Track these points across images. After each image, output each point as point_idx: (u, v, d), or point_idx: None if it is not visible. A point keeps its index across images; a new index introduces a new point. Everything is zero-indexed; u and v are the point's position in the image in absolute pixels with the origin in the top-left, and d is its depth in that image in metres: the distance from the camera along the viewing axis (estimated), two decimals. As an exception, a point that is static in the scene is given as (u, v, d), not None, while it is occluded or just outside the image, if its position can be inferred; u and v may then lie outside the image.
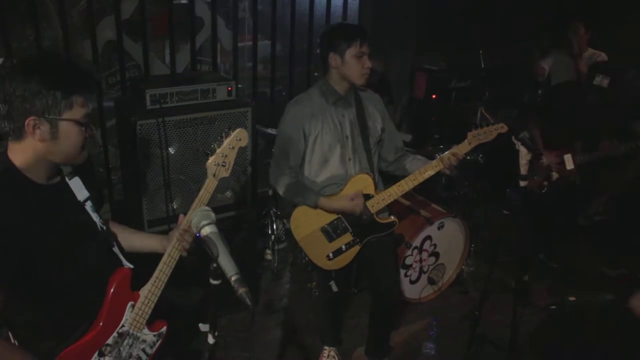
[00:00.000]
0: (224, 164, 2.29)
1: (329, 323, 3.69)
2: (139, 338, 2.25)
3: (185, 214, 2.28)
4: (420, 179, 3.09)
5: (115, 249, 2.27)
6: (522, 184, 2.84)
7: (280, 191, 3.22)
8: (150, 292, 2.22)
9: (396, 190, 3.14)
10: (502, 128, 2.96)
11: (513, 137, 2.78)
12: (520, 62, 5.99)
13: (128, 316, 2.20)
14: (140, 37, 4.56)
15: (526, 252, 4.24)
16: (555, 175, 3.87)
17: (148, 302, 2.22)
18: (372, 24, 5.88)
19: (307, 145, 3.15)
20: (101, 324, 2.14)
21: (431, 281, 4.30)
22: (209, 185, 2.29)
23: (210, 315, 1.89)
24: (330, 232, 3.20)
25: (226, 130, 2.33)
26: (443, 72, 6.00)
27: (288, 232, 4.87)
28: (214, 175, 2.29)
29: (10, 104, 1.83)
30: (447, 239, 4.27)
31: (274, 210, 4.69)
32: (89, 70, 2.04)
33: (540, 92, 5.58)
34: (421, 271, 4.23)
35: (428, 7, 5.83)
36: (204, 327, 1.99)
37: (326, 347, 3.68)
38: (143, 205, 3.47)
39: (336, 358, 3.66)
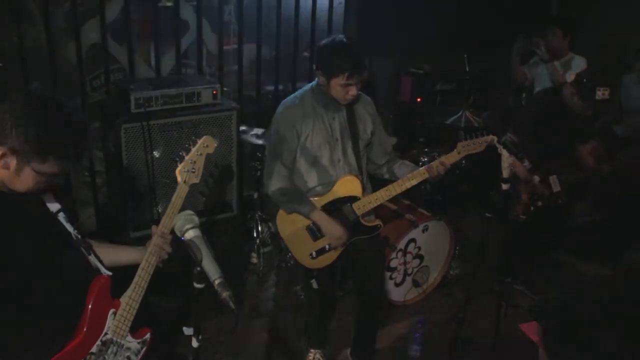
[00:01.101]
0: (192, 170, 2.35)
1: (315, 325, 3.69)
2: (123, 346, 2.23)
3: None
4: (408, 185, 3.12)
5: (92, 258, 2.25)
6: (505, 187, 2.87)
7: (273, 194, 3.19)
8: (130, 298, 2.21)
9: (383, 195, 3.16)
10: (492, 140, 2.98)
11: (495, 141, 2.80)
12: (505, 66, 6.04)
13: (110, 324, 2.18)
14: (125, 40, 4.55)
15: (509, 254, 4.27)
16: (539, 202, 3.90)
17: (129, 309, 2.21)
18: (357, 27, 5.90)
19: (298, 144, 3.15)
20: (84, 332, 2.12)
21: (416, 283, 4.32)
22: (180, 191, 2.34)
23: (194, 319, 1.89)
24: (315, 231, 3.20)
25: (193, 138, 2.41)
26: (428, 75, 6.03)
27: (274, 236, 4.89)
28: (184, 182, 2.34)
29: None
30: (431, 241, 4.29)
31: (259, 213, 4.69)
32: (80, 136, 2.01)
33: (524, 95, 5.64)
34: (405, 273, 4.25)
35: (413, 12, 5.85)
36: (188, 330, 1.99)
37: (312, 350, 3.69)
38: (128, 209, 3.47)
39: None
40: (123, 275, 2.28)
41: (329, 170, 3.20)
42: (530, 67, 5.38)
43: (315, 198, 3.20)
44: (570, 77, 4.30)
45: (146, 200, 3.47)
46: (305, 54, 5.81)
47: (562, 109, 4.07)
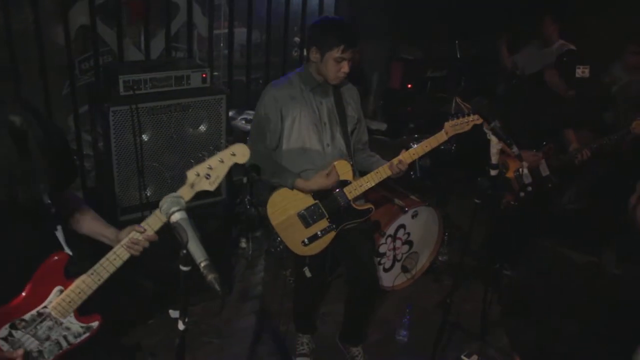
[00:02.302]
0: (207, 176, 2.07)
1: (304, 310, 3.71)
2: (61, 324, 2.19)
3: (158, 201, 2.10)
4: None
5: (59, 233, 2.21)
6: (493, 172, 2.88)
7: (251, 169, 3.21)
8: (84, 282, 2.15)
9: (373, 177, 3.17)
10: (477, 120, 3.01)
11: (484, 127, 2.81)
12: (496, 53, 6.04)
13: (53, 299, 2.15)
14: (114, 23, 4.51)
15: (498, 239, 4.29)
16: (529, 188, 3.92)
17: (79, 292, 2.15)
18: (348, 12, 5.88)
19: (284, 128, 3.15)
20: (21, 298, 2.11)
21: (404, 269, 4.34)
22: (182, 196, 2.07)
23: (180, 302, 1.89)
24: (307, 218, 3.20)
25: (227, 142, 2.15)
26: (419, 62, 6.02)
27: (263, 220, 4.90)
28: (191, 186, 2.07)
29: None
30: (420, 227, 4.31)
31: (249, 198, 4.69)
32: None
33: (514, 82, 5.65)
34: (395, 259, 4.27)
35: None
36: (174, 313, 1.98)
37: (300, 335, 3.71)
38: (116, 193, 3.45)
39: (310, 345, 3.69)
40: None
41: (319, 155, 3.20)
42: (520, 56, 5.39)
43: (306, 182, 3.18)
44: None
45: (134, 184, 3.46)
46: (296, 38, 5.79)
47: (543, 93, 4.10)
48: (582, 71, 3.91)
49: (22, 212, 2.06)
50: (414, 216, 4.20)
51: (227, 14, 5.21)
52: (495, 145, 2.81)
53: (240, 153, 2.11)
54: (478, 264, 4.34)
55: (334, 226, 3.23)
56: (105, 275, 2.15)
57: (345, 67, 3.03)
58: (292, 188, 3.15)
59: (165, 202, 1.88)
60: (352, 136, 3.34)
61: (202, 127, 3.61)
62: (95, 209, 2.50)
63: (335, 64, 3.01)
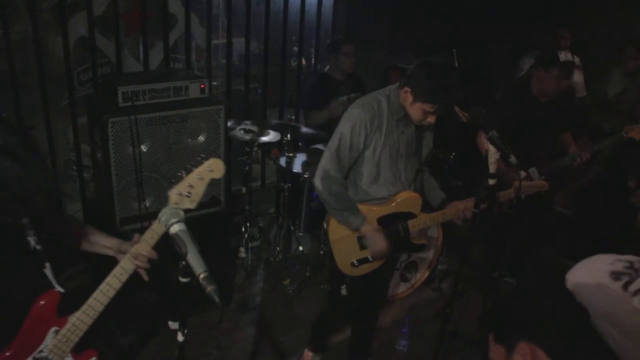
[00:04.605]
0: (188, 194, 2.05)
1: (325, 328, 3.69)
2: None
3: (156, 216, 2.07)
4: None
5: (47, 271, 2.13)
6: (491, 182, 2.87)
7: (322, 195, 3.04)
8: (79, 319, 2.08)
9: (439, 217, 3.16)
10: (544, 187, 3.21)
11: (482, 136, 2.81)
12: (494, 62, 6.07)
13: (49, 342, 2.08)
14: (112, 34, 4.53)
15: (495, 249, 4.29)
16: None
17: (75, 330, 2.08)
18: (346, 22, 5.91)
19: (363, 156, 3.00)
20: (14, 346, 2.04)
21: (404, 278, 4.33)
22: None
23: (179, 313, 1.89)
24: (364, 241, 3.14)
25: (199, 157, 2.12)
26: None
27: (262, 230, 4.90)
28: (175, 204, 2.05)
29: None
30: (419, 236, 4.29)
31: (248, 208, 4.69)
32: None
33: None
34: (394, 268, 4.26)
35: (403, 6, 5.86)
36: (173, 325, 1.97)
37: (310, 353, 3.67)
38: (115, 204, 3.45)
39: None
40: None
41: (390, 185, 3.09)
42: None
43: (374, 207, 3.10)
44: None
45: (133, 195, 3.46)
46: (295, 48, 5.81)
47: (532, 100, 4.11)
48: (564, 55, 3.92)
49: (6, 252, 1.99)
50: (412, 225, 4.19)
51: (225, 24, 5.24)
52: (493, 154, 2.81)
53: (217, 168, 2.10)
54: (477, 272, 4.34)
55: None
56: (100, 309, 2.09)
57: (431, 119, 2.88)
58: (354, 230, 3.05)
59: (165, 213, 1.88)
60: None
61: (201, 138, 3.61)
62: (94, 219, 2.48)
63: (422, 114, 2.86)
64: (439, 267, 4.56)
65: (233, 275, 4.47)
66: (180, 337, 1.91)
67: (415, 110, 2.87)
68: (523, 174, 3.20)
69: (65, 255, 2.29)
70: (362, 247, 3.15)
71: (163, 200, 2.18)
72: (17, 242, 2.04)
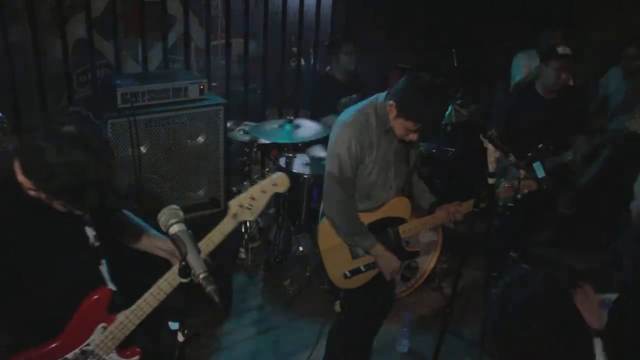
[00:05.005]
0: (249, 206, 2.08)
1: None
2: None
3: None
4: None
5: (103, 268, 2.17)
6: (491, 181, 2.87)
7: (342, 225, 2.98)
8: (127, 318, 2.11)
9: (429, 221, 3.13)
10: (531, 186, 3.18)
11: (481, 135, 2.80)
12: (493, 62, 6.06)
13: (96, 337, 2.12)
14: (111, 35, 4.53)
15: (495, 249, 4.30)
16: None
17: (123, 328, 2.11)
18: (345, 22, 5.91)
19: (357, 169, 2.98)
20: (63, 337, 2.08)
21: (404, 278, 4.33)
22: (224, 227, 2.11)
23: (179, 314, 1.89)
24: (357, 249, 3.10)
25: (267, 169, 2.13)
26: (416, 70, 6.02)
27: (262, 231, 4.89)
28: (234, 216, 2.09)
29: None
30: (420, 235, 4.29)
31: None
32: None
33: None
34: (394, 268, 4.25)
35: (402, 6, 5.86)
36: (173, 325, 1.97)
37: None
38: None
39: None
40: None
41: (381, 195, 3.07)
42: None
43: (363, 214, 3.05)
44: None
45: (132, 196, 3.46)
46: (294, 49, 5.81)
47: (537, 98, 4.18)
48: (563, 49, 4.02)
49: (66, 245, 2.04)
50: (412, 225, 4.19)
51: (224, 25, 5.23)
52: (492, 153, 2.80)
53: (281, 183, 2.13)
54: (478, 271, 4.34)
55: None
56: (148, 310, 2.11)
57: (413, 137, 2.86)
58: (367, 252, 3.01)
59: (164, 214, 1.87)
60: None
61: (200, 138, 3.62)
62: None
63: (405, 130, 2.84)
64: (440, 267, 4.56)
65: (233, 276, 4.46)
66: (180, 338, 1.91)
67: (399, 126, 2.84)
68: (522, 173, 3.19)
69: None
70: (355, 256, 3.09)
71: (163, 201, 2.20)
72: (77, 236, 2.09)
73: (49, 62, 4.34)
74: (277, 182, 2.11)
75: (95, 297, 2.10)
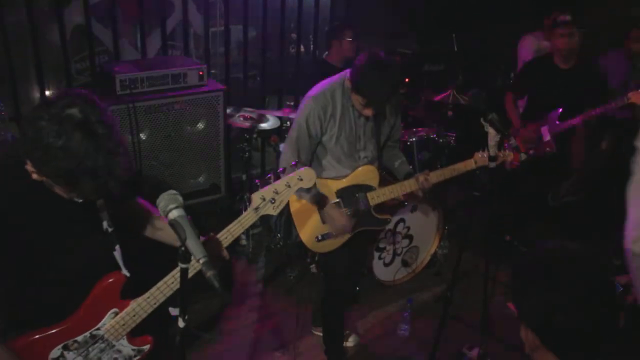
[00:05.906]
0: (272, 200, 2.06)
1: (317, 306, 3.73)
2: (113, 346, 2.15)
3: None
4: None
5: (117, 254, 2.14)
6: (491, 165, 2.87)
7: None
8: (139, 306, 2.09)
9: (398, 189, 3.18)
10: (508, 157, 3.18)
11: (482, 119, 2.80)
12: (494, 47, 6.04)
13: (107, 322, 2.10)
14: (109, 22, 4.50)
15: (494, 233, 4.29)
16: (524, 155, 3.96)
17: (134, 316, 2.09)
18: (345, 7, 5.87)
19: (322, 141, 3.10)
20: (75, 319, 2.07)
21: (405, 263, 4.34)
22: (245, 220, 2.10)
23: (180, 299, 1.89)
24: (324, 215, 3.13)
25: (292, 165, 2.11)
26: (416, 56, 6.01)
27: (262, 218, 4.89)
28: (255, 210, 2.06)
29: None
30: (420, 221, 4.30)
31: (248, 195, 4.68)
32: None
33: (512, 75, 5.64)
34: (395, 254, 4.26)
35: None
36: (174, 311, 1.96)
37: (317, 328, 3.74)
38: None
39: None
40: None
41: (350, 163, 3.16)
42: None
43: (330, 181, 3.14)
44: None
45: (132, 183, 3.46)
46: (293, 35, 5.78)
47: (553, 68, 4.32)
48: (562, 17, 4.22)
49: (80, 230, 2.02)
50: (413, 210, 4.20)
51: (222, 11, 5.20)
52: (493, 137, 2.80)
53: (307, 178, 2.11)
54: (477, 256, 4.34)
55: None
56: (162, 299, 2.09)
57: (367, 112, 2.97)
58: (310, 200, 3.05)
59: (163, 199, 1.85)
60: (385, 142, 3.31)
61: (200, 125, 3.61)
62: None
63: (358, 104, 2.96)
64: (440, 252, 4.56)
65: (234, 262, 4.47)
66: (181, 324, 1.90)
67: (354, 100, 2.97)
68: (524, 156, 3.20)
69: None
70: (324, 220, 3.14)
71: (162, 188, 2.17)
72: (91, 222, 2.07)
73: (47, 50, 4.31)
74: (302, 176, 2.10)
75: (110, 280, 2.08)
